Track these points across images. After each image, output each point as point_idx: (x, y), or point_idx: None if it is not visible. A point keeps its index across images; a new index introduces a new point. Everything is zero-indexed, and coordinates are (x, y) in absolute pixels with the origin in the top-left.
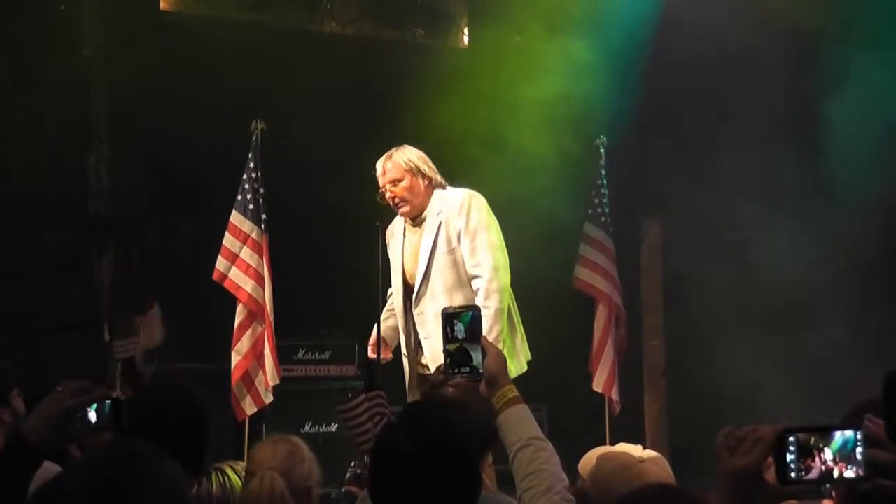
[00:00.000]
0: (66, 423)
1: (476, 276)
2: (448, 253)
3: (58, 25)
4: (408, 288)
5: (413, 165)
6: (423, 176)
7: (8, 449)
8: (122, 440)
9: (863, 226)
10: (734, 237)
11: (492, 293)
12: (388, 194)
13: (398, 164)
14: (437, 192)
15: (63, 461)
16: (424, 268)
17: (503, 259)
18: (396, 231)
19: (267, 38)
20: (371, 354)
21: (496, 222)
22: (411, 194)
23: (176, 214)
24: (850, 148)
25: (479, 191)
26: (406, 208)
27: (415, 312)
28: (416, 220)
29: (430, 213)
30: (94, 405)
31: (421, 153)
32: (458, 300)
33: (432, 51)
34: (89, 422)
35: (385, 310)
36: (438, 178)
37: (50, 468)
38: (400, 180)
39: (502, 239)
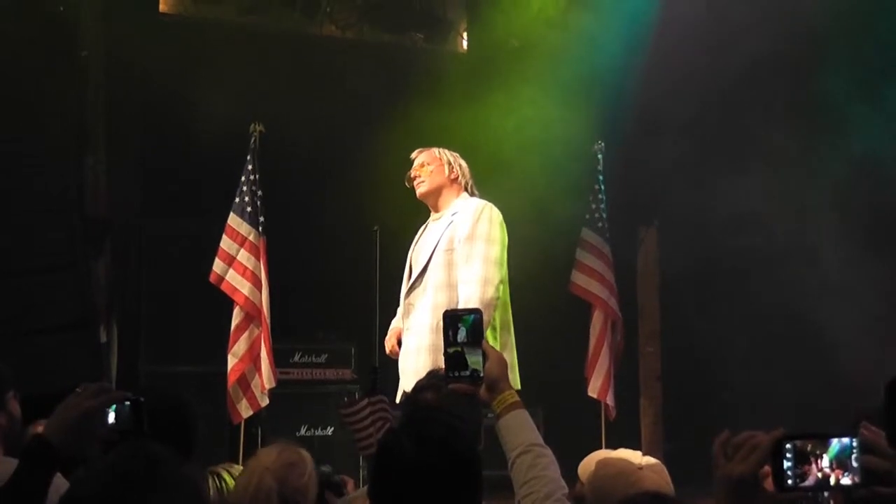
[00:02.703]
0: (85, 424)
1: (463, 283)
2: (447, 251)
3: (57, 26)
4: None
5: (445, 157)
6: (451, 169)
7: (28, 451)
8: (136, 443)
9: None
10: (730, 243)
11: (471, 304)
12: (412, 173)
13: (432, 151)
14: (464, 196)
15: (78, 465)
16: (424, 262)
17: (496, 275)
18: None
19: (266, 41)
20: (392, 347)
21: (505, 239)
22: (431, 177)
23: (173, 216)
24: (850, 150)
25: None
26: (423, 188)
27: (405, 302)
28: (437, 215)
29: (447, 212)
30: (114, 406)
31: (458, 155)
32: (441, 300)
33: (431, 55)
34: (109, 423)
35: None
36: (468, 180)
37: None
38: (428, 164)
39: (505, 256)
